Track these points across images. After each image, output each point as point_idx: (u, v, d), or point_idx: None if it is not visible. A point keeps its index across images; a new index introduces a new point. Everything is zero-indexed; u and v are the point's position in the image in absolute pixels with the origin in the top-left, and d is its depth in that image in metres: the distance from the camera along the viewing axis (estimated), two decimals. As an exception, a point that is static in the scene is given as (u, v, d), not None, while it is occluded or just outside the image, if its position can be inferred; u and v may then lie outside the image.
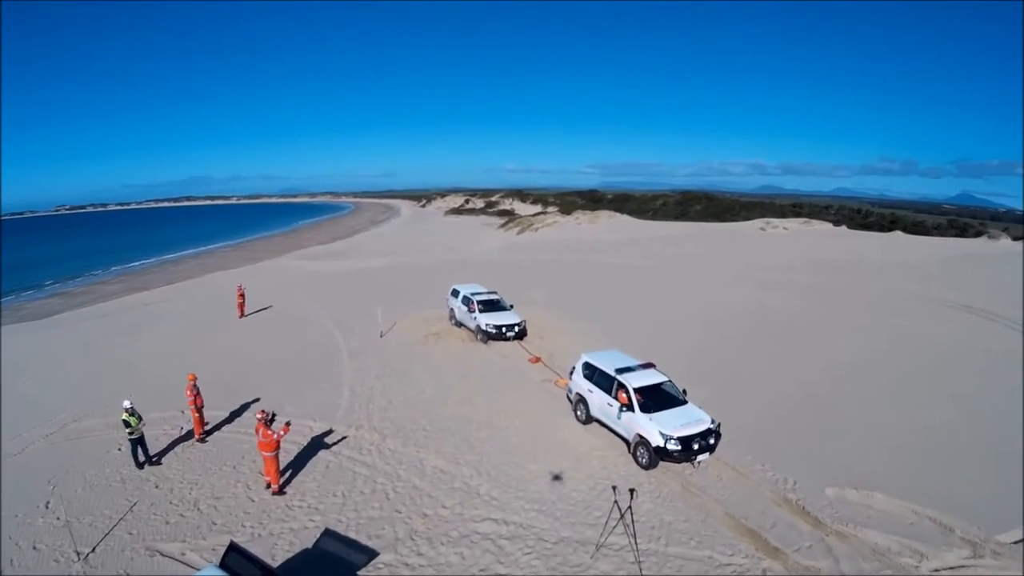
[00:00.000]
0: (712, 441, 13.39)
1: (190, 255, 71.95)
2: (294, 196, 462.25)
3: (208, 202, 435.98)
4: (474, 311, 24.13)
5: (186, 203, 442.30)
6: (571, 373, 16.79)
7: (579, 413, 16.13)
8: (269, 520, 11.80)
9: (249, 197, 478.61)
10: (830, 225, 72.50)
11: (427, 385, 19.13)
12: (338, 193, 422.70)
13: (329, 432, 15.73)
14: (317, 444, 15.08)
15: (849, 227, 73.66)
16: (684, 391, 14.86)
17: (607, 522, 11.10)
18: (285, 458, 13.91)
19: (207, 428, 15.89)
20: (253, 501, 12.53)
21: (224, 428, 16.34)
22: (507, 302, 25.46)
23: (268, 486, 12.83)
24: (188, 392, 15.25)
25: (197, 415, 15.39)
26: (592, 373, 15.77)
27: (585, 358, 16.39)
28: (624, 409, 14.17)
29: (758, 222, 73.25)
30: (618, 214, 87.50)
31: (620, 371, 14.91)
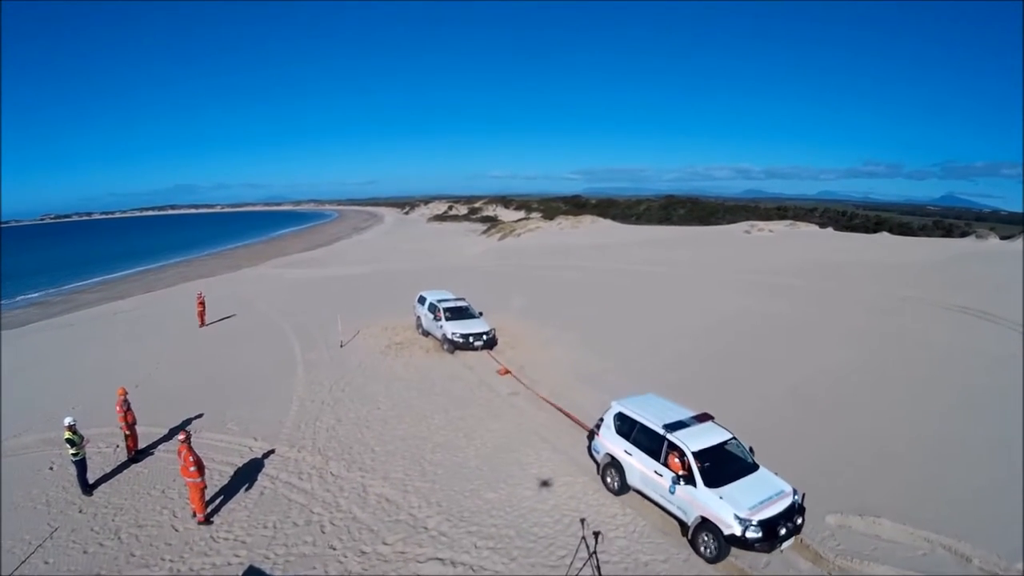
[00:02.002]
0: (800, 521, 10.19)
1: (171, 264, 71.21)
2: (278, 204, 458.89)
3: (193, 210, 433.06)
4: (440, 319, 22.55)
5: (171, 211, 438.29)
6: (597, 426, 13.21)
7: (610, 480, 12.39)
8: (190, 554, 10.53)
9: (234, 205, 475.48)
10: (816, 227, 71.74)
11: (382, 400, 17.45)
12: (322, 201, 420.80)
13: (270, 453, 14.31)
14: (255, 467, 13.67)
15: (835, 229, 73.01)
16: (751, 449, 11.58)
17: (572, 562, 9.48)
18: (219, 481, 12.86)
19: (139, 448, 14.67)
20: (177, 531, 11.24)
21: (161, 446, 14.95)
22: (476, 309, 23.90)
23: (194, 514, 11.57)
24: (118, 408, 14.02)
25: (128, 432, 14.21)
26: (629, 429, 12.18)
27: (618, 408, 12.75)
28: (680, 481, 10.66)
29: (743, 225, 72.46)
30: (601, 219, 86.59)
31: (670, 427, 11.37)
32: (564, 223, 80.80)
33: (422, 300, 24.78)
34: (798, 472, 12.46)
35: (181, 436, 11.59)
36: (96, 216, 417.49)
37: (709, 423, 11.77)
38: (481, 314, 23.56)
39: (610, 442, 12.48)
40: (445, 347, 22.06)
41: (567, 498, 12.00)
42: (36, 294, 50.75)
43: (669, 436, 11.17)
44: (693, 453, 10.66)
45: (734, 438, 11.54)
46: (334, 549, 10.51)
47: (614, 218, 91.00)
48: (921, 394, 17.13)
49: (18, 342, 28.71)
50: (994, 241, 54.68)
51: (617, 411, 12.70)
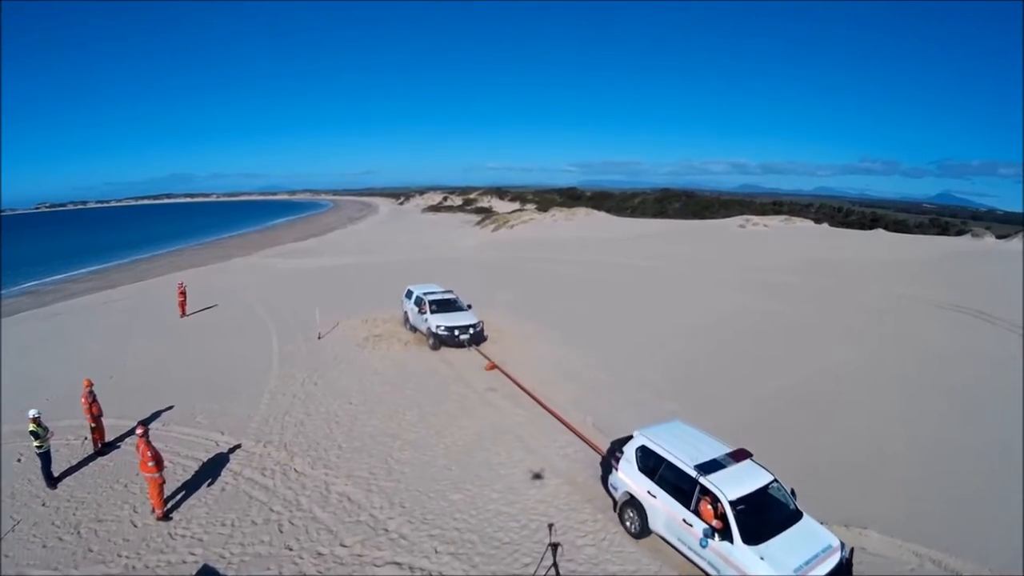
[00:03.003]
0: None
1: (164, 253, 70.43)
2: (274, 194, 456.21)
3: (188, 199, 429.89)
4: (425, 311, 21.73)
5: (167, 200, 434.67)
6: (616, 457, 11.35)
7: (628, 523, 10.65)
8: (147, 551, 10.29)
9: (230, 195, 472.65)
10: (811, 223, 71.21)
11: (355, 395, 16.97)
12: (318, 191, 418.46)
13: (235, 448, 13.96)
14: (219, 462, 13.34)
15: (831, 225, 72.48)
16: (793, 492, 9.92)
17: (536, 571, 8.98)
18: (183, 476, 12.68)
19: (107, 440, 14.44)
20: (136, 527, 10.99)
21: (128, 439, 14.52)
22: (464, 302, 23.09)
23: (153, 510, 11.34)
24: (83, 400, 13.82)
25: (94, 424, 13.95)
26: (655, 466, 10.37)
27: (642, 440, 10.86)
28: (713, 535, 8.94)
29: (737, 219, 71.76)
30: (595, 211, 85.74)
31: (704, 468, 9.59)
32: (558, 215, 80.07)
33: (409, 294, 24.00)
34: (792, 475, 11.98)
35: (139, 431, 11.35)
36: (91, 205, 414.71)
37: (747, 462, 10.01)
38: (470, 307, 22.76)
39: (631, 479, 10.74)
40: (430, 342, 21.11)
41: (536, 501, 11.48)
42: (30, 283, 50.13)
43: (702, 480, 9.42)
44: (731, 502, 8.97)
45: (776, 480, 9.87)
46: (291, 550, 10.16)
47: (609, 210, 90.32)
48: (918, 395, 16.73)
49: (5, 332, 28.17)
50: (990, 240, 54.39)
51: (640, 444, 10.84)
